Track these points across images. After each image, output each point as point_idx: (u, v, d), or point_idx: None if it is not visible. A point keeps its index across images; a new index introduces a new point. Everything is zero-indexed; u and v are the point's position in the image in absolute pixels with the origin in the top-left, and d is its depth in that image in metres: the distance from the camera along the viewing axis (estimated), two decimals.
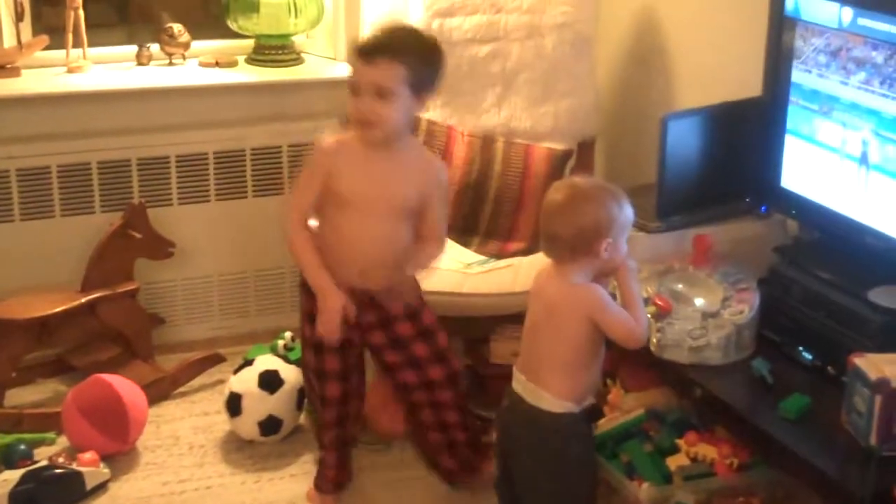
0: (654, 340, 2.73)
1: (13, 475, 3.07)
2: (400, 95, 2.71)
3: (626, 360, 3.00)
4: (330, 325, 2.79)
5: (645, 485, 2.62)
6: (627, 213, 2.55)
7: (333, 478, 3.08)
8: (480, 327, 3.32)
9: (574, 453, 2.53)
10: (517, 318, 3.24)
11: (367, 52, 2.71)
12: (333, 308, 2.78)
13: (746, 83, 3.10)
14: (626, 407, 2.91)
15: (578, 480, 2.56)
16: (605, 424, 2.84)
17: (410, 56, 2.71)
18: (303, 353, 3.06)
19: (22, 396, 3.58)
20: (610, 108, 3.87)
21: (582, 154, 3.72)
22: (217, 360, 3.72)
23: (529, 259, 3.46)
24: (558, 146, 3.68)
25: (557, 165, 3.64)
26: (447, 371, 3.01)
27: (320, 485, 3.09)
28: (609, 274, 2.57)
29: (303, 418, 3.43)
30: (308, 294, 2.87)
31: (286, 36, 3.98)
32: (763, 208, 3.08)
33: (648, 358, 2.78)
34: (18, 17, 3.78)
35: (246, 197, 3.92)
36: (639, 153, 3.75)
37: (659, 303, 2.79)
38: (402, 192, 2.81)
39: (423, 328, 2.97)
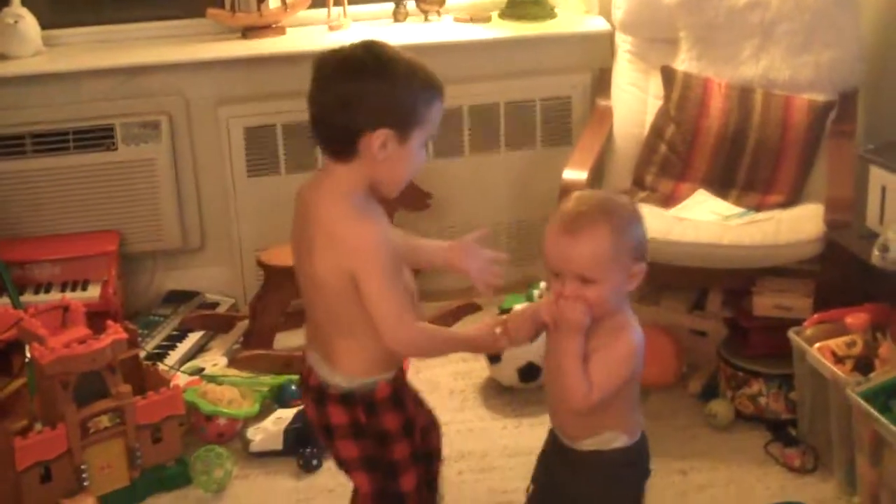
0: None
1: (287, 413, 3.23)
2: None
3: None
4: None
5: None
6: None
7: None
8: (741, 279, 3.28)
9: None
10: (780, 271, 3.23)
11: None
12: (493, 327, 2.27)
13: None
14: None
15: None
16: (876, 378, 2.76)
17: None
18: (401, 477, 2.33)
19: (289, 340, 3.74)
20: (874, 59, 3.73)
21: (844, 106, 3.60)
22: (473, 308, 3.80)
23: (790, 212, 3.40)
24: (819, 97, 3.58)
25: (819, 117, 3.55)
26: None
27: None
28: None
29: None
30: (398, 406, 2.30)
31: None
32: None
33: None
34: None
35: (499, 151, 3.98)
36: None
37: None
38: None
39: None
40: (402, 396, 2.30)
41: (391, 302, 2.15)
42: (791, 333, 3.01)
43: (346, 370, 2.24)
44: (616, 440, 2.21)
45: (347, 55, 2.13)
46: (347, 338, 2.22)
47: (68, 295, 3.56)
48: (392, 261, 2.16)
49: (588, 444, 2.22)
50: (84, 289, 3.65)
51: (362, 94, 2.08)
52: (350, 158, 2.13)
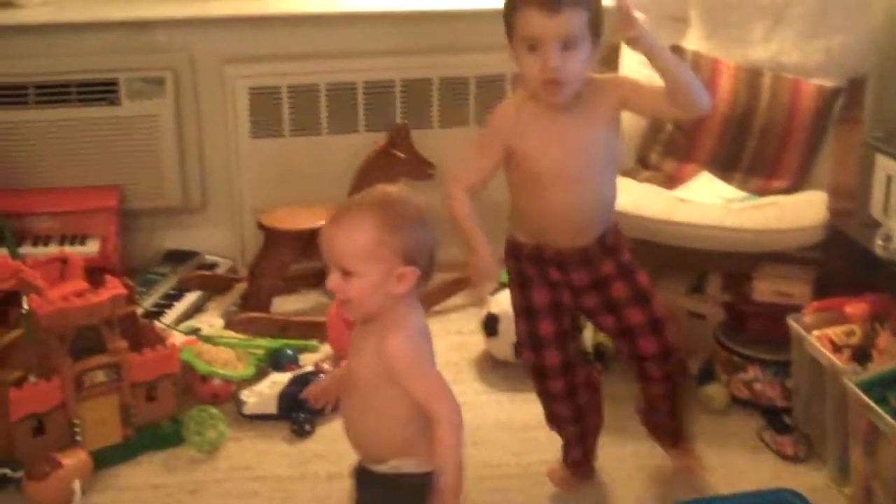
0: None
1: (282, 378, 3.22)
2: (585, 42, 2.41)
3: None
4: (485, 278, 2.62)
5: None
6: None
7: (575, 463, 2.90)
8: (741, 263, 3.28)
9: None
10: (781, 257, 3.23)
11: (549, 4, 2.36)
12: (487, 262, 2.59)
13: None
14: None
15: None
16: (874, 368, 2.77)
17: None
18: (515, 324, 2.81)
19: (286, 305, 3.75)
20: (884, 45, 3.71)
21: (852, 92, 3.59)
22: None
23: (794, 197, 3.39)
24: (828, 83, 3.57)
25: (827, 103, 3.53)
26: (659, 346, 2.70)
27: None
28: None
29: None
30: (514, 259, 2.73)
31: None
32: None
33: None
34: None
35: None
36: None
37: None
38: (596, 146, 2.54)
39: (638, 291, 2.67)
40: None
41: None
42: (790, 320, 3.01)
43: None
44: (403, 466, 2.18)
45: None
46: None
47: (67, 249, 3.55)
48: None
49: (383, 468, 2.19)
50: (83, 243, 3.64)
51: None
52: None
